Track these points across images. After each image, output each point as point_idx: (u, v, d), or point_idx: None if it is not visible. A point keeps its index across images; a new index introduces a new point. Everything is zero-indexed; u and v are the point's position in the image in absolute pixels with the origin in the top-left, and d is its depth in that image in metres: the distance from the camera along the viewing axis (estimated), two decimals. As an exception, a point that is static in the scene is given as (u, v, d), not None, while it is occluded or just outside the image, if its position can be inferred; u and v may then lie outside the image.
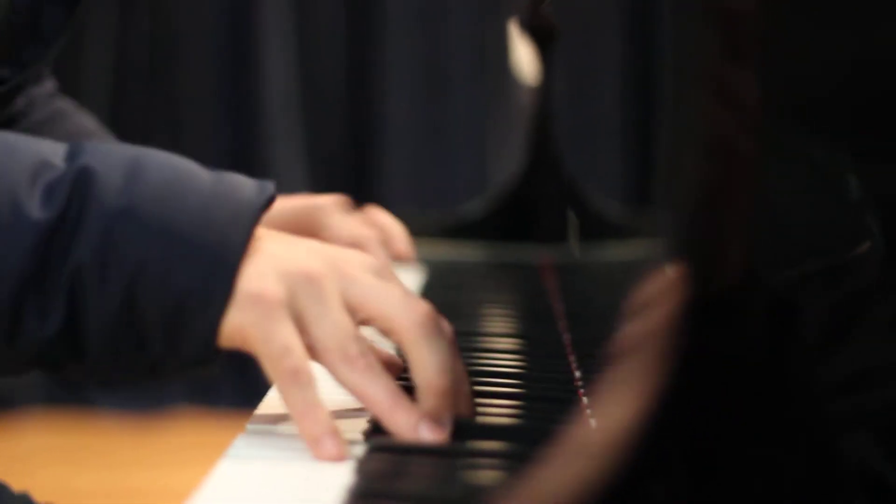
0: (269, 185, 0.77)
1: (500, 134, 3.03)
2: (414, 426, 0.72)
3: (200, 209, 0.73)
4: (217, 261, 0.72)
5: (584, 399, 0.82)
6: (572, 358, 0.93)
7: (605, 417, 0.61)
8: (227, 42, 3.26)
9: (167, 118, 3.25)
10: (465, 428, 0.74)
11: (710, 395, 0.59)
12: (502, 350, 0.97)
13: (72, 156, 0.74)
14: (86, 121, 1.28)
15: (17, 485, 1.08)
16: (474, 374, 0.88)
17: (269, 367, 0.72)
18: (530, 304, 1.15)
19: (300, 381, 0.71)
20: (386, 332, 0.75)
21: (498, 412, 0.80)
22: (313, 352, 0.73)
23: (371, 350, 0.74)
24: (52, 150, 0.75)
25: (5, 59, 0.93)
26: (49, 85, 1.27)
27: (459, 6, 3.23)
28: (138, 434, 3.09)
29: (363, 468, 0.68)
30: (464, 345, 0.94)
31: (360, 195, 3.22)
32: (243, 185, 0.76)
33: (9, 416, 3.14)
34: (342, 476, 0.67)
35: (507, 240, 1.37)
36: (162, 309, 0.72)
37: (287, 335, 0.72)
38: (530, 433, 0.76)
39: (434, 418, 0.72)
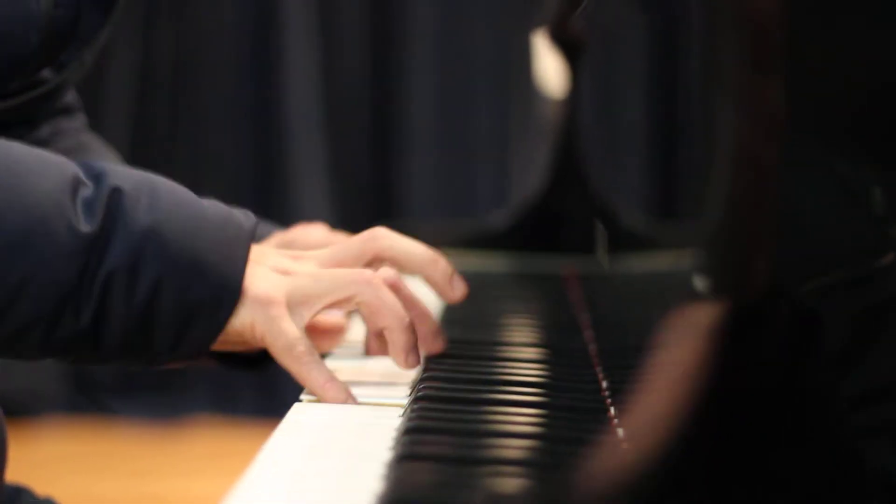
0: (250, 213, 0.91)
1: (524, 145, 3.03)
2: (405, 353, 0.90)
3: (209, 230, 0.87)
4: (226, 276, 0.86)
5: (612, 409, 0.83)
6: (599, 368, 0.93)
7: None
8: (250, 55, 3.27)
9: (190, 131, 3.25)
10: (491, 436, 0.74)
11: (733, 403, 0.59)
12: (527, 360, 0.98)
13: (96, 175, 0.86)
14: (108, 156, 1.29)
15: (37, 492, 1.08)
16: (499, 384, 0.89)
17: (283, 356, 0.87)
18: (556, 314, 1.15)
19: (310, 361, 0.87)
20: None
21: (523, 420, 0.81)
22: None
23: None
24: (76, 168, 0.86)
25: (46, 60, 0.99)
26: (79, 120, 1.28)
27: (483, 18, 3.23)
28: (159, 442, 3.10)
29: (392, 476, 0.68)
30: (488, 354, 0.94)
31: (384, 206, 3.25)
32: (231, 211, 0.90)
33: (30, 423, 3.15)
34: (371, 483, 0.68)
35: (531, 250, 1.38)
36: (176, 316, 0.85)
37: (291, 328, 0.88)
38: (555, 442, 0.76)
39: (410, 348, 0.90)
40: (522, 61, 2.92)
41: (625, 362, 0.84)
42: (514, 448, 0.75)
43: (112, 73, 3.23)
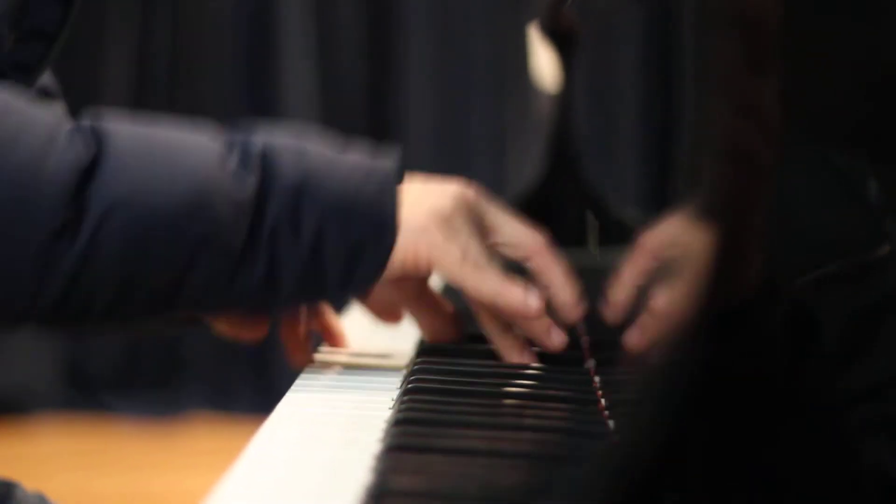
0: (397, 150, 0.98)
1: (519, 139, 3.03)
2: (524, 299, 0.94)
3: (359, 175, 0.93)
4: (381, 212, 0.91)
5: (602, 401, 0.82)
6: (590, 360, 0.93)
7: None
8: (247, 54, 3.27)
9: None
10: (480, 427, 0.74)
11: (729, 402, 0.59)
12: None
13: (244, 141, 0.92)
14: None
15: (34, 488, 1.08)
16: (489, 376, 0.88)
17: (455, 271, 0.93)
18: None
19: (485, 269, 0.93)
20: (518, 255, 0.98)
21: (513, 412, 0.80)
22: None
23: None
24: (224, 137, 0.93)
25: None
26: (58, 106, 1.27)
27: (479, 13, 3.23)
28: (155, 439, 3.10)
29: (381, 467, 0.68)
30: (481, 347, 0.94)
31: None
32: (374, 156, 0.96)
33: (27, 420, 3.15)
34: (361, 474, 0.67)
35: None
36: (342, 256, 0.91)
37: (458, 244, 0.93)
38: (545, 433, 0.76)
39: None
40: (519, 55, 2.92)
41: (616, 354, 0.84)
42: (503, 440, 0.75)
43: (108, 70, 3.23)
